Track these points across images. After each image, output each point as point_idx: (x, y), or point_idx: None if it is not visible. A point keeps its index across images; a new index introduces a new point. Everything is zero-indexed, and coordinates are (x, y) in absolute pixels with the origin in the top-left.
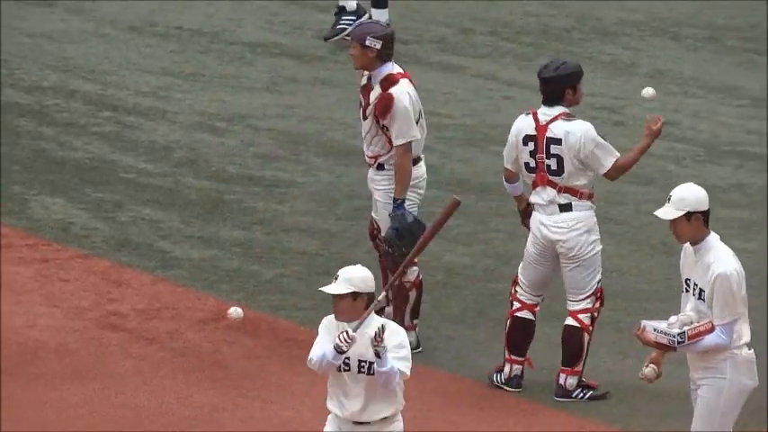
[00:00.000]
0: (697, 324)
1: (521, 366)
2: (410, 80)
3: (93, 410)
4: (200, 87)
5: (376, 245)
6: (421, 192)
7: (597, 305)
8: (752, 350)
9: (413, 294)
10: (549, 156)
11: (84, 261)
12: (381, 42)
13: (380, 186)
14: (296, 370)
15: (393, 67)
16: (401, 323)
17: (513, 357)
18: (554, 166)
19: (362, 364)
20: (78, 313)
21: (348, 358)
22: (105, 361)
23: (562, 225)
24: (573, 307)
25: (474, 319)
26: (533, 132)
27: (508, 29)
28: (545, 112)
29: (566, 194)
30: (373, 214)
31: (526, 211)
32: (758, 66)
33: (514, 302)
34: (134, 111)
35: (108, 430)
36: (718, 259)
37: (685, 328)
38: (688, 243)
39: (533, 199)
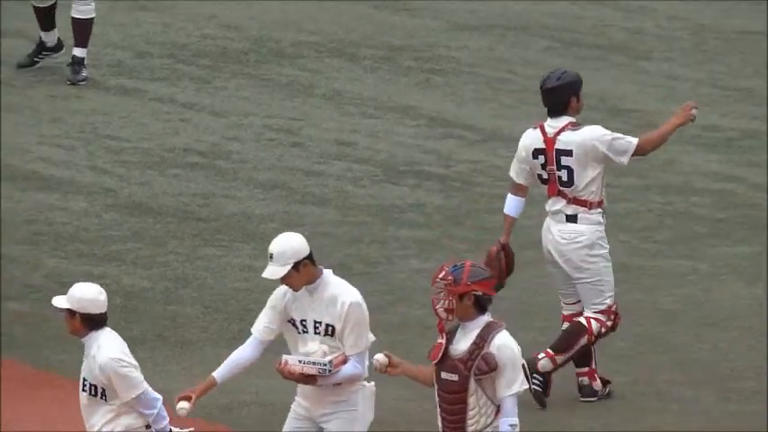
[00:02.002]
0: (333, 356)
1: (586, 378)
2: None
3: None
4: None
5: None
6: None
7: (609, 324)
8: (372, 383)
9: None
10: (559, 167)
11: None
12: None
13: None
14: None
15: None
16: None
17: (578, 370)
18: (565, 178)
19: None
20: None
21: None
22: None
23: (565, 236)
24: (587, 312)
25: (153, 341)
26: (542, 146)
27: (185, 51)
28: (551, 125)
29: (574, 205)
30: None
31: (508, 231)
32: (434, 86)
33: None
34: None
35: None
36: (344, 291)
37: (329, 357)
38: (289, 287)
39: (549, 207)
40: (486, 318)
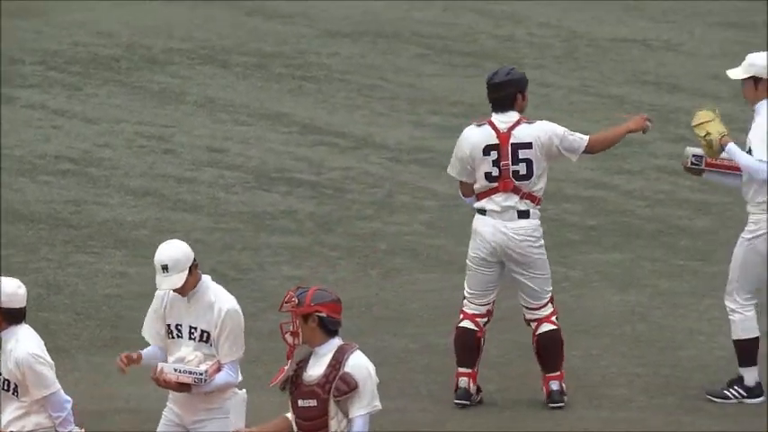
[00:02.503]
0: (207, 365)
1: (466, 378)
2: None
3: None
4: None
5: None
6: None
7: (555, 310)
8: (243, 390)
9: None
10: (516, 161)
11: None
12: None
13: None
14: None
15: None
16: None
17: (460, 370)
18: (523, 171)
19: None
20: None
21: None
22: None
23: (520, 232)
24: (543, 312)
25: None
26: (495, 141)
27: (57, 58)
28: (501, 120)
29: (526, 200)
30: None
31: None
32: (306, 93)
33: (460, 315)
34: None
35: None
36: (220, 298)
37: (203, 367)
38: (170, 291)
39: (488, 206)
40: (337, 341)
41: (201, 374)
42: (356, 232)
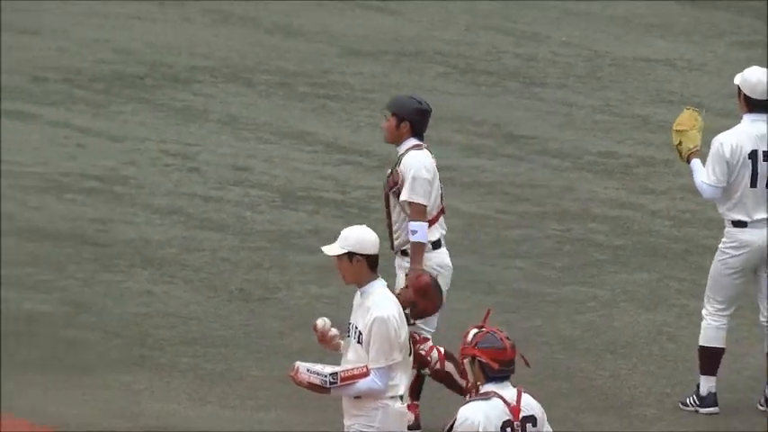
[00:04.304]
0: (351, 367)
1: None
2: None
3: None
4: None
5: None
6: None
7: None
8: (405, 404)
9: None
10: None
11: None
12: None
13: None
14: None
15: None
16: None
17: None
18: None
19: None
20: None
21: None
22: None
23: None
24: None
25: (53, 366)
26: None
27: (81, 76)
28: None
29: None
30: None
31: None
32: (330, 111)
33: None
34: None
35: None
36: (378, 303)
37: (337, 369)
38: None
39: (444, 229)
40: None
41: (327, 377)
42: (382, 251)
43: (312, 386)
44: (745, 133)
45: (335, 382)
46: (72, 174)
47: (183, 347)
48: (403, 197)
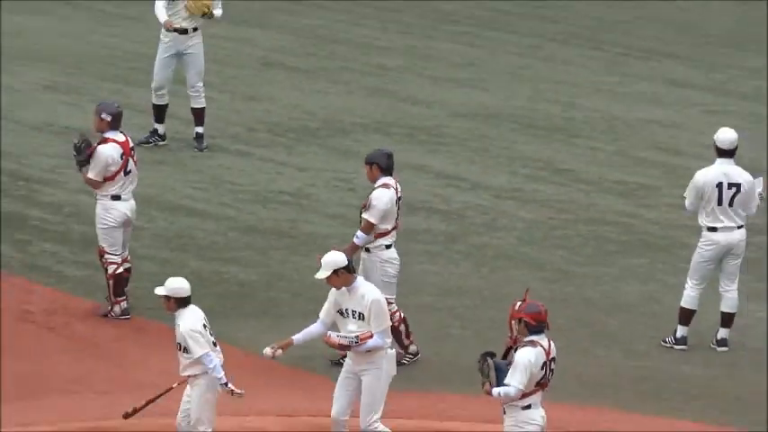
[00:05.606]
0: (362, 333)
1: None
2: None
3: None
4: None
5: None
6: None
7: None
8: (393, 349)
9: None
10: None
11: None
12: None
13: None
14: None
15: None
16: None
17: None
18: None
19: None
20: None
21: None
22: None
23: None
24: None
25: (259, 317)
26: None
27: (279, 127)
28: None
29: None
30: None
31: None
32: (439, 152)
33: None
34: None
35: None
36: (368, 291)
37: (357, 333)
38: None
39: (393, 240)
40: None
41: (353, 339)
42: (472, 242)
43: (341, 346)
44: (714, 171)
45: (358, 342)
46: (273, 191)
47: None
48: (363, 215)
